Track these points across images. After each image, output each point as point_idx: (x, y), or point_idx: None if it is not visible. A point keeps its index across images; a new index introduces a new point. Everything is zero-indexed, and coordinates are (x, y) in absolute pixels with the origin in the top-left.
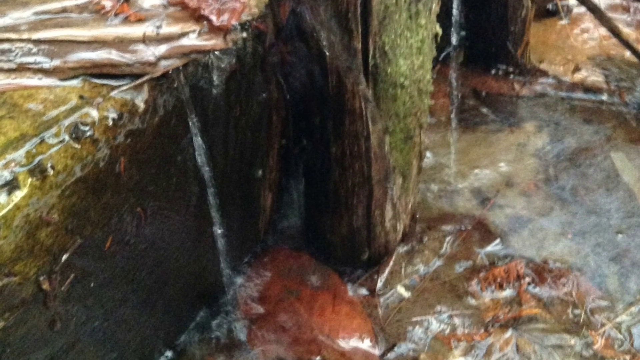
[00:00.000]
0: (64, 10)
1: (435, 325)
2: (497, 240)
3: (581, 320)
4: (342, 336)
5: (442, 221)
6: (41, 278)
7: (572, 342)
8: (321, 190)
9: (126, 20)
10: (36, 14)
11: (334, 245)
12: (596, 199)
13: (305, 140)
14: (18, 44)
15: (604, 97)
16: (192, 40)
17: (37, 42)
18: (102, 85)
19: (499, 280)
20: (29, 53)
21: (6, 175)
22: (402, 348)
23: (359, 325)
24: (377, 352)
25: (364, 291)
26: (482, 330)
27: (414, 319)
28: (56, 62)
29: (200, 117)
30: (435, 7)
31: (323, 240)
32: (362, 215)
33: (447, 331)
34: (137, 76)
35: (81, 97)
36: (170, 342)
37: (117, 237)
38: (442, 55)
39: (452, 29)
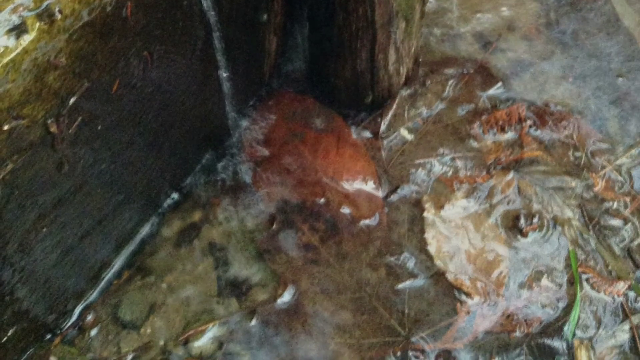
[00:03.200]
0: None
1: (437, 168)
2: (499, 84)
3: (582, 163)
4: (346, 178)
5: (444, 65)
6: (49, 121)
7: (573, 184)
8: (325, 34)
9: None
10: None
11: (338, 89)
12: (597, 42)
13: None
14: None
15: None
16: None
17: None
18: None
19: (500, 123)
20: None
21: (14, 19)
22: (405, 190)
23: (363, 167)
24: (380, 193)
25: (367, 134)
26: (484, 173)
27: (417, 162)
28: None
29: None
30: None
31: (327, 83)
32: (365, 58)
33: (450, 173)
34: None
35: None
36: (176, 184)
37: (124, 80)
38: None
39: None
